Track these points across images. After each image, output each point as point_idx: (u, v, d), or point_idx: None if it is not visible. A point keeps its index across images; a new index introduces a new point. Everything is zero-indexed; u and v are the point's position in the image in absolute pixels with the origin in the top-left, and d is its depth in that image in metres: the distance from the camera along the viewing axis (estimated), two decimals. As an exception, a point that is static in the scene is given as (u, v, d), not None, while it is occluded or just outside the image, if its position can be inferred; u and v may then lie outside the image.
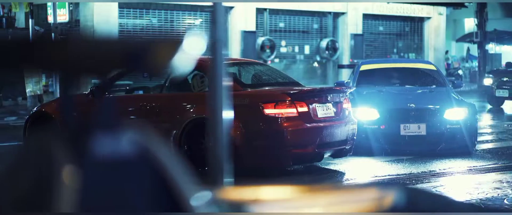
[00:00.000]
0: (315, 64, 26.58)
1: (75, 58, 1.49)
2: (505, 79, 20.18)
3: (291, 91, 8.99)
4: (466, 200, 7.41)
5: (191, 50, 1.55)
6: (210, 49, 2.97)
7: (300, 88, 9.45)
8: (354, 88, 11.37)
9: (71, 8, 20.00)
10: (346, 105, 9.60)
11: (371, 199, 1.54)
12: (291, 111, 8.71)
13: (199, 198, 1.46)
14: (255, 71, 10.22)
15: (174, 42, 1.54)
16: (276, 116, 8.63)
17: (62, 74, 1.61)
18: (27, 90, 18.45)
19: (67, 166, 1.36)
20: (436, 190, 7.89)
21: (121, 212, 1.27)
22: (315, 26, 26.67)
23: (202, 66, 9.67)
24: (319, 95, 9.23)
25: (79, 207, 1.24)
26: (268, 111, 8.66)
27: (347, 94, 9.78)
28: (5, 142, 12.08)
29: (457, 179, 8.97)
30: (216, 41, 2.91)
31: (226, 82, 2.96)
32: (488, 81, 20.64)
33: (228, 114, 2.96)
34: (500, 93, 20.02)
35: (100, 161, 1.40)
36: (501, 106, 20.56)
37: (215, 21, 2.90)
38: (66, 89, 1.54)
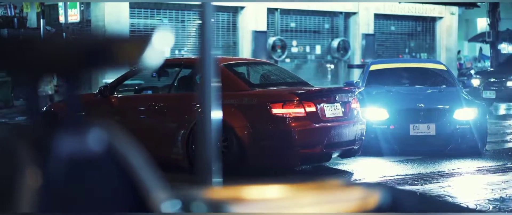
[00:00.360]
0: (332, 66, 26.49)
1: (28, 58, 1.49)
2: (492, 80, 19.56)
3: (299, 91, 8.97)
4: (474, 201, 7.37)
5: (159, 47, 1.54)
6: (199, 49, 2.96)
7: (308, 88, 9.43)
8: (363, 88, 11.33)
9: (82, 8, 20.07)
10: (355, 105, 9.57)
11: (356, 199, 1.53)
12: (299, 111, 8.69)
13: (169, 206, 1.45)
14: (264, 71, 10.21)
15: (140, 39, 1.53)
16: (284, 115, 8.62)
17: (15, 74, 1.60)
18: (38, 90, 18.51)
19: (30, 165, 1.35)
20: (445, 191, 7.85)
21: (85, 212, 1.26)
22: (326, 26, 26.62)
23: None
24: (327, 95, 9.21)
25: (39, 207, 1.23)
26: (276, 111, 8.65)
27: (355, 94, 9.75)
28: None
29: (466, 180, 8.93)
30: (205, 41, 2.90)
31: (215, 83, 2.95)
32: (475, 82, 19.67)
33: (216, 114, 2.94)
34: (487, 94, 19.25)
35: (65, 160, 1.39)
36: (489, 108, 20.12)
37: (204, 21, 2.89)
38: (26, 89, 1.53)
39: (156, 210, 1.35)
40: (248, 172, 8.55)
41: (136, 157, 1.49)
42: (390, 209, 1.46)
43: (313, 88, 9.54)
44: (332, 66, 26.68)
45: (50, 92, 18.62)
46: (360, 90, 10.55)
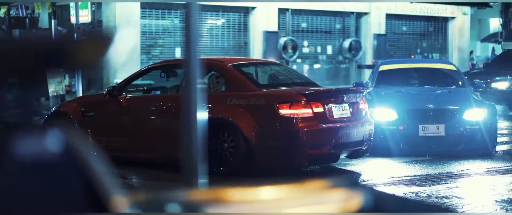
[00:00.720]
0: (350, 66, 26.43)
1: None
2: (477, 81, 19.29)
3: (307, 92, 8.96)
4: (482, 202, 7.33)
5: (118, 46, 1.54)
6: (185, 50, 2.95)
7: (316, 88, 9.41)
8: (371, 88, 11.29)
9: (93, 9, 20.13)
10: (363, 105, 9.55)
11: (339, 201, 1.52)
12: (306, 111, 8.67)
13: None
14: (272, 71, 10.20)
15: (99, 39, 1.53)
16: (291, 116, 8.60)
17: None
18: (49, 91, 18.61)
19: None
20: (452, 192, 7.81)
21: (43, 213, 1.26)
22: (338, 26, 26.58)
23: (217, 67, 9.69)
24: (335, 96, 9.18)
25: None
26: (284, 111, 8.63)
27: (363, 94, 9.73)
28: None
29: (474, 181, 8.87)
30: (190, 42, 2.90)
31: (200, 83, 2.95)
32: None
33: (202, 115, 2.94)
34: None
35: (21, 161, 1.39)
36: None
37: (189, 21, 2.88)
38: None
39: (115, 210, 1.35)
40: (257, 173, 8.55)
41: (95, 158, 1.49)
42: (373, 211, 1.46)
43: (321, 88, 9.51)
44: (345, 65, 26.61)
45: (61, 92, 18.69)
46: (368, 90, 10.51)
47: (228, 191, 1.55)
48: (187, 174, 2.85)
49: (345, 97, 9.21)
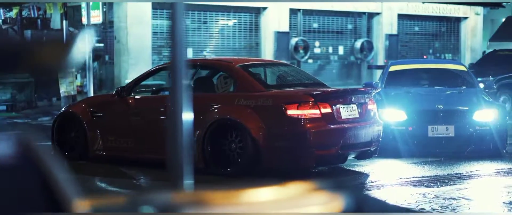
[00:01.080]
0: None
1: None
2: None
3: (314, 92, 8.94)
4: (490, 203, 7.29)
5: (78, 49, 1.53)
6: (170, 51, 2.94)
7: (324, 89, 9.39)
8: (380, 89, 11.26)
9: (104, 10, 20.19)
10: (371, 106, 9.52)
11: (320, 203, 1.51)
12: (314, 112, 8.66)
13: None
14: (280, 72, 10.19)
15: (57, 42, 1.52)
16: (299, 117, 8.59)
17: None
18: (61, 91, 18.69)
19: None
20: (460, 193, 7.76)
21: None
22: (349, 26, 26.50)
23: (225, 68, 9.70)
24: (343, 96, 9.16)
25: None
26: (291, 112, 8.62)
27: (372, 95, 9.70)
28: (41, 141, 12.23)
29: (483, 182, 8.82)
30: (175, 42, 2.89)
31: (186, 83, 2.94)
32: None
33: (187, 116, 2.94)
34: None
35: None
36: None
37: (174, 21, 2.87)
38: None
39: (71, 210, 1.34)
40: (265, 174, 8.54)
41: (53, 161, 1.48)
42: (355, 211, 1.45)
43: (329, 89, 9.49)
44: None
45: (73, 93, 18.76)
46: (377, 91, 10.48)
47: (210, 193, 1.55)
48: (172, 175, 2.85)
49: (353, 98, 9.19)
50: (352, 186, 8.41)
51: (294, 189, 1.62)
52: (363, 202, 1.63)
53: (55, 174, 1.39)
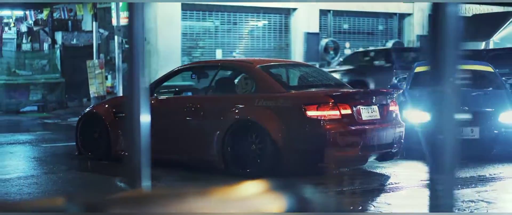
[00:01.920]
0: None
1: None
2: None
3: (334, 93, 8.90)
4: (510, 206, 7.18)
5: None
6: (128, 52, 2.94)
7: (344, 90, 9.33)
8: (405, 90, 11.16)
9: (134, 11, 20.29)
10: (393, 107, 9.44)
11: (260, 204, 1.49)
12: (334, 113, 8.61)
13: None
14: (301, 73, 10.15)
15: None
16: (319, 118, 8.55)
17: None
18: (91, 92, 18.88)
19: None
20: (479, 196, 7.65)
21: None
22: (380, 27, 26.34)
23: (246, 69, 9.70)
24: (364, 98, 9.09)
25: None
26: (311, 113, 8.58)
27: (394, 96, 9.61)
28: (68, 141, 12.39)
29: (506, 185, 8.69)
30: (133, 43, 2.88)
31: (144, 84, 2.93)
32: None
33: (145, 118, 2.93)
34: None
35: None
36: None
37: (132, 21, 2.86)
38: None
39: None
40: (286, 175, 8.52)
41: None
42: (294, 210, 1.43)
43: (349, 90, 9.43)
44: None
45: (102, 93, 18.94)
46: (399, 92, 10.38)
47: (160, 193, 1.54)
48: (129, 178, 2.85)
49: (374, 99, 9.12)
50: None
51: (245, 189, 1.61)
52: (306, 200, 1.61)
53: None
